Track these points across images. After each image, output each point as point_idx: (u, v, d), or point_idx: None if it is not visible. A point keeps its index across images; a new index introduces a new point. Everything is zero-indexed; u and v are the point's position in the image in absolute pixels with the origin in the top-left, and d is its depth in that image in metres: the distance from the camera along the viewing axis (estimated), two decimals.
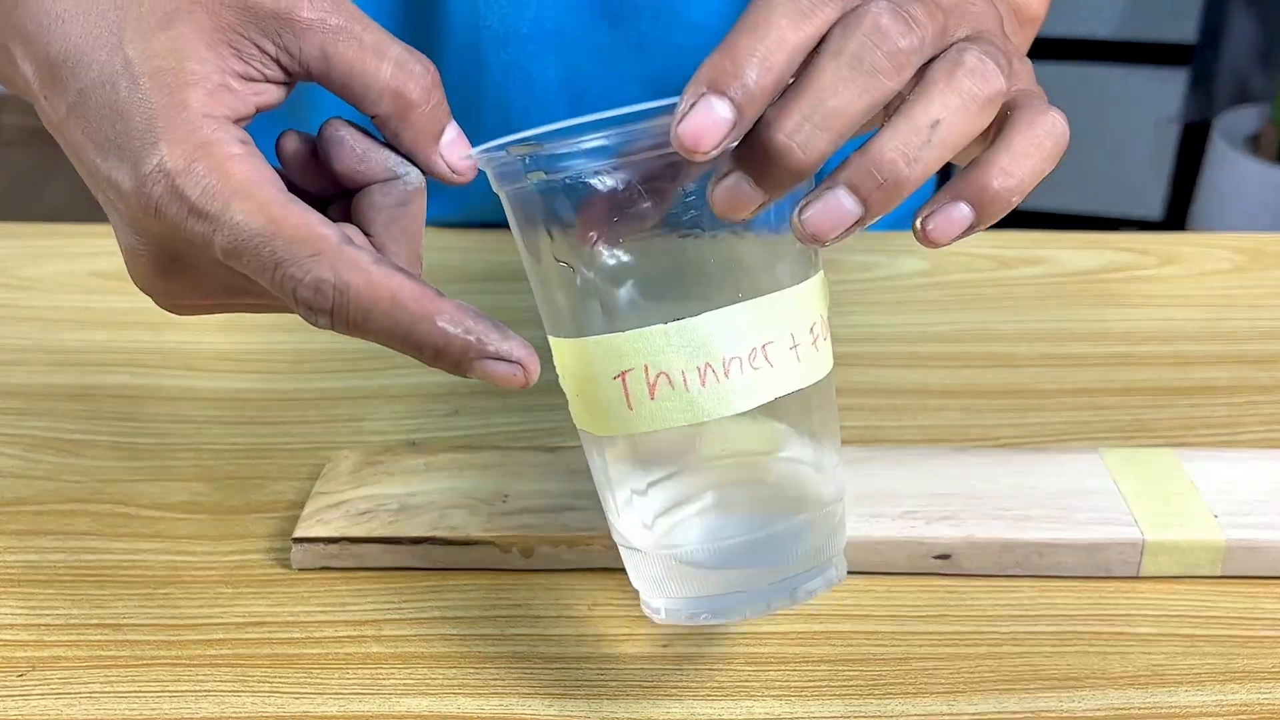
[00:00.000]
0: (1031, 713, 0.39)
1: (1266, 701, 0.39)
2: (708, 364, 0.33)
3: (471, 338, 0.32)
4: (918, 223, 0.33)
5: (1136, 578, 0.44)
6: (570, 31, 0.62)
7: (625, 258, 0.34)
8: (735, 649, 0.41)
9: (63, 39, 0.34)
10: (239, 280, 0.34)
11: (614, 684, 0.40)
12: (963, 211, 0.33)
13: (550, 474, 0.47)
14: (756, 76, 0.30)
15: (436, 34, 0.61)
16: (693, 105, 0.30)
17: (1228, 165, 1.92)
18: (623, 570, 0.44)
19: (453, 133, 0.36)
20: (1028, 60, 0.37)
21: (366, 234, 0.36)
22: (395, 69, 0.35)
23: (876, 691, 0.40)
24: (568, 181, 0.34)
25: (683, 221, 0.34)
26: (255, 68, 0.35)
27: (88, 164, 0.34)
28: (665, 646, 0.41)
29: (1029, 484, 0.46)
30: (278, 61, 0.35)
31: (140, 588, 0.44)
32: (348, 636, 0.42)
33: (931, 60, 0.33)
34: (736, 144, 0.31)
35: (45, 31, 0.35)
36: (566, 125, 0.32)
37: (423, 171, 0.36)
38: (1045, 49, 1.95)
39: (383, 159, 0.36)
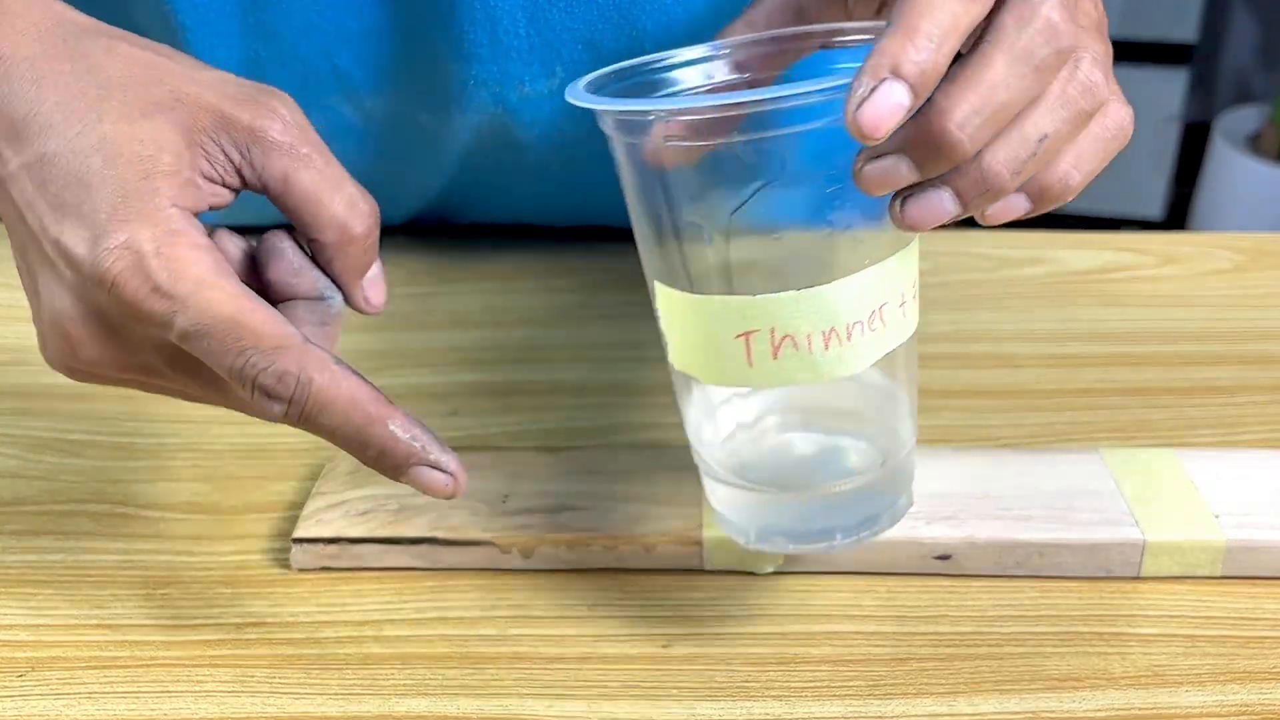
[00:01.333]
0: (1032, 713, 0.39)
1: (1267, 702, 0.39)
2: (833, 329, 0.34)
3: (417, 445, 0.35)
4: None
5: (1137, 578, 0.44)
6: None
7: (757, 225, 0.35)
8: (735, 649, 0.41)
9: (34, 101, 0.35)
10: (163, 360, 0.36)
11: (614, 684, 0.40)
12: (1021, 203, 0.35)
13: (550, 474, 0.47)
14: (933, 60, 0.30)
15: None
16: (873, 89, 0.30)
17: (1228, 165, 1.92)
18: (623, 570, 0.44)
19: (376, 269, 0.39)
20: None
21: None
22: (347, 204, 0.37)
23: (876, 692, 0.40)
24: (709, 149, 0.34)
25: (821, 195, 0.35)
26: (218, 172, 0.36)
27: (33, 222, 0.35)
28: (665, 647, 0.41)
29: (1029, 484, 0.46)
30: (239, 172, 0.36)
31: (140, 588, 0.44)
32: (347, 637, 0.42)
33: None
34: None
35: (13, 91, 0.35)
36: (700, 85, 0.34)
37: (343, 298, 0.39)
38: None
39: (313, 279, 0.38)
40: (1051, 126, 0.32)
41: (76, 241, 0.34)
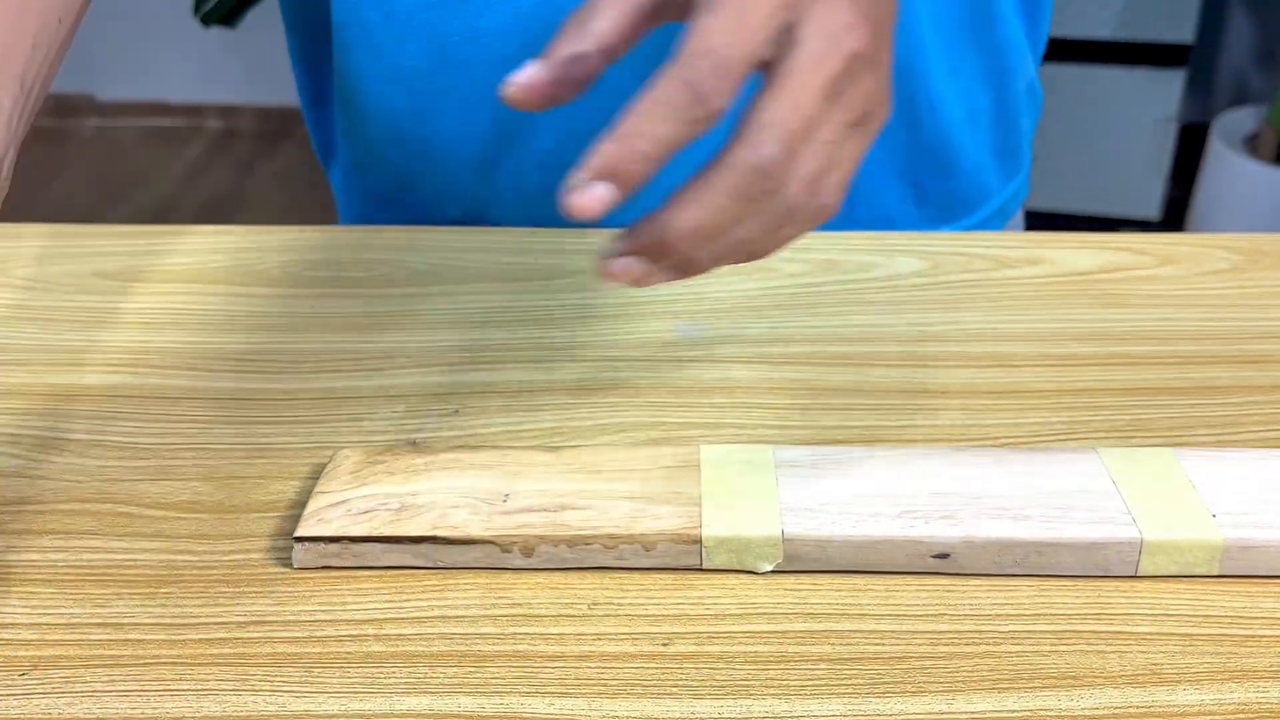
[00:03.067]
0: (1030, 711, 0.39)
1: (1264, 700, 0.39)
2: None
3: None
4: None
5: (1135, 577, 0.44)
6: None
7: None
8: (734, 647, 0.41)
9: None
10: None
11: (614, 684, 0.40)
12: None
13: (550, 474, 0.47)
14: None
15: None
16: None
17: (1226, 166, 1.92)
18: (622, 569, 0.45)
19: None
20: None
21: None
22: None
23: (876, 690, 0.40)
24: None
25: None
26: None
27: None
28: (665, 645, 0.42)
29: (1028, 484, 0.46)
30: None
31: (142, 587, 0.45)
32: (348, 635, 0.42)
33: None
34: None
35: None
36: None
37: None
38: (1045, 49, 1.94)
39: None
40: (753, 232, 0.38)
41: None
